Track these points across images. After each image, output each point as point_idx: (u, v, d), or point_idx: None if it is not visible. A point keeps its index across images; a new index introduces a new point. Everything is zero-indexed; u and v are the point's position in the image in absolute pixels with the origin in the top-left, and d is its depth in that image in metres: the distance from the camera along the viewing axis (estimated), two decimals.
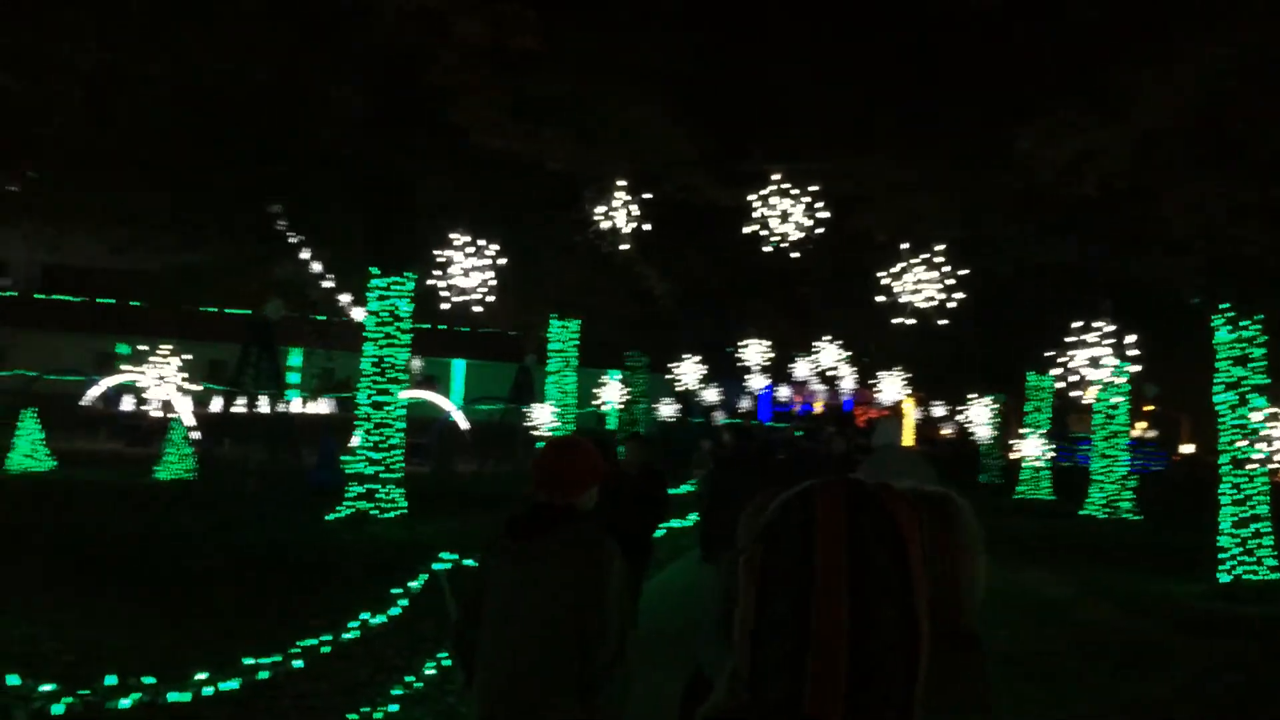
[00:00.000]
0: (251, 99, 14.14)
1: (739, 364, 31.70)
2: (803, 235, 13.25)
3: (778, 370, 35.54)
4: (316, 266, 22.37)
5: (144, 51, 12.68)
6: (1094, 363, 15.32)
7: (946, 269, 14.84)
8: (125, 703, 4.32)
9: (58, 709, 4.34)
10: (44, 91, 13.39)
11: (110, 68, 12.93)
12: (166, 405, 26.53)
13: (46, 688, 4.11)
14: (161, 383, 28.01)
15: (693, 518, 14.33)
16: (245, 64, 12.97)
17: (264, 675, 5.41)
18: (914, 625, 1.28)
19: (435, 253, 15.46)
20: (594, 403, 38.35)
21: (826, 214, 13.32)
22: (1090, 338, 15.37)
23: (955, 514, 2.30)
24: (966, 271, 14.82)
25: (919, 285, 14.83)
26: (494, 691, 3.51)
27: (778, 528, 1.32)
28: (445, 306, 15.58)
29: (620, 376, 33.27)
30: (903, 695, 1.27)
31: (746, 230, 13.69)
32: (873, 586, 1.27)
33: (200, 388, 30.08)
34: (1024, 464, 29.81)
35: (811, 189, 13.26)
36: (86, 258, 27.83)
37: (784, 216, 13.28)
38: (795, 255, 13.69)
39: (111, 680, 4.36)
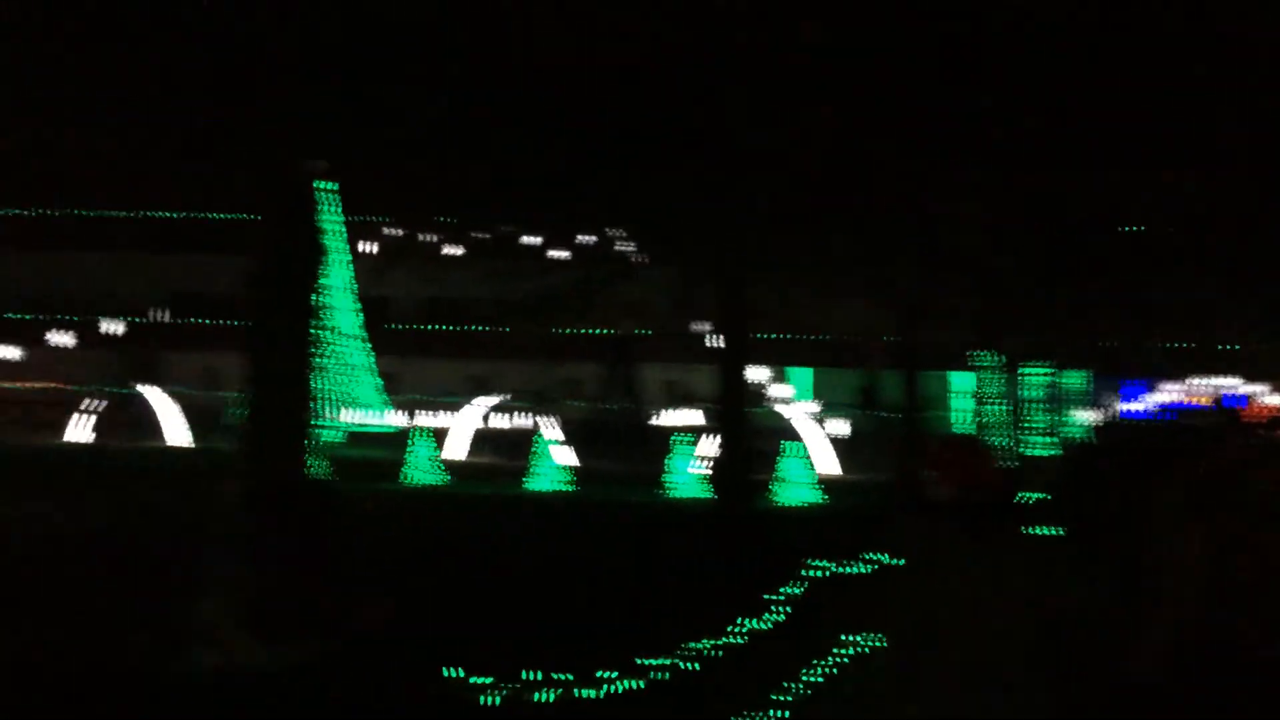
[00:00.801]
0: (599, 124, 14.75)
1: (1110, 357, 29.23)
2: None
3: (1157, 362, 32.47)
4: (666, 284, 23.14)
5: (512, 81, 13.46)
6: None
7: None
8: (548, 697, 4.55)
9: (486, 701, 4.61)
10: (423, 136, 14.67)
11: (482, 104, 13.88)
12: (533, 420, 28.58)
13: (478, 680, 4.40)
14: (527, 400, 30.28)
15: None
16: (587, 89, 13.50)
17: (663, 676, 5.54)
18: None
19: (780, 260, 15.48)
20: (946, 407, 36.87)
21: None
22: None
23: None
24: None
25: None
26: (950, 688, 3.44)
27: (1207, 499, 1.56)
28: (803, 315, 15.57)
29: (977, 377, 31.79)
30: None
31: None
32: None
33: (566, 403, 32.19)
34: None
35: None
36: (460, 289, 30.57)
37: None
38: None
39: (534, 675, 4.62)
